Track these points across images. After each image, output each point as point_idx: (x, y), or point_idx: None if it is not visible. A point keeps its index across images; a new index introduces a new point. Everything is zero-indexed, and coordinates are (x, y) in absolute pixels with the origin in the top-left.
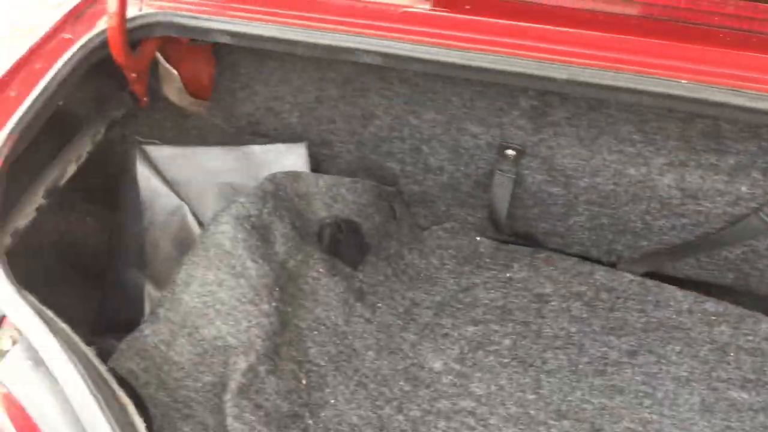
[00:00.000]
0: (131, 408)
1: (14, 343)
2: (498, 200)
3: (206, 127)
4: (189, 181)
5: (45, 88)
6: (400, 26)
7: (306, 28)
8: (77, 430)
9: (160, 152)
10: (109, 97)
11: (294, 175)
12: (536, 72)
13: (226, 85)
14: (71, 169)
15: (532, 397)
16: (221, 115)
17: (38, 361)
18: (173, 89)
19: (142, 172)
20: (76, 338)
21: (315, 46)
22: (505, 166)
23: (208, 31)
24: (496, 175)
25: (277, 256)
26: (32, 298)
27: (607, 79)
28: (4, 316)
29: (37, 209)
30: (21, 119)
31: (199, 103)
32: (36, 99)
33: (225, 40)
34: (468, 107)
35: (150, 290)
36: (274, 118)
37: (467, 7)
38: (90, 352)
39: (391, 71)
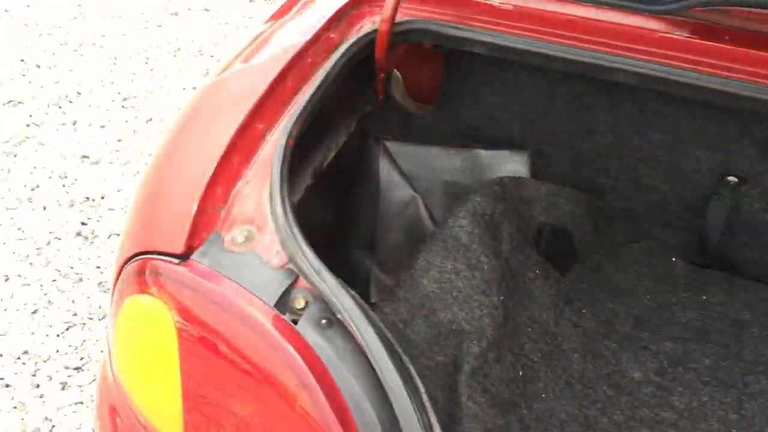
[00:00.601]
0: (413, 371)
1: (306, 303)
2: (711, 225)
3: (428, 129)
4: (417, 177)
5: (324, 80)
6: (657, 50)
7: (563, 45)
8: (371, 386)
9: (395, 147)
10: (360, 93)
11: (518, 180)
12: None
13: (453, 91)
14: (330, 155)
15: (734, 417)
16: (444, 118)
17: (331, 321)
18: (399, 91)
19: (383, 164)
20: (363, 302)
21: (572, 62)
22: (724, 192)
23: (463, 40)
24: (712, 200)
25: (504, 253)
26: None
27: None
28: (297, 277)
29: (306, 188)
30: (306, 105)
31: (422, 105)
32: (317, 88)
33: (480, 50)
34: (696, 131)
35: (376, 273)
36: (495, 126)
37: (726, 37)
38: (376, 317)
39: (621, 91)
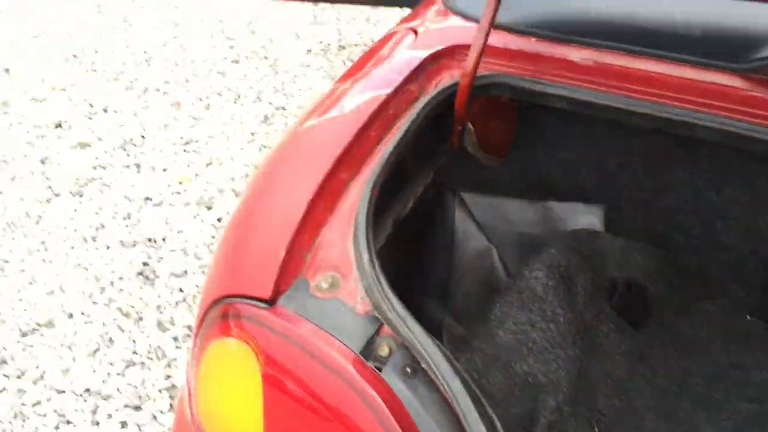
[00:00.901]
0: (498, 424)
1: (390, 350)
2: None
3: (500, 180)
4: (492, 227)
5: (406, 131)
6: (740, 107)
7: (642, 100)
8: None
9: (470, 198)
10: (437, 144)
11: (593, 234)
12: None
13: (527, 143)
14: (410, 205)
15: None
16: (516, 170)
17: (415, 370)
18: (471, 142)
19: (459, 214)
20: (448, 352)
21: (652, 117)
22: None
23: (543, 95)
24: None
25: (578, 306)
26: None
27: None
28: (381, 325)
29: (387, 236)
30: (389, 156)
31: (494, 157)
32: (400, 139)
33: (559, 104)
34: None
35: (448, 322)
36: (568, 179)
37: None
38: (460, 367)
39: (700, 147)
